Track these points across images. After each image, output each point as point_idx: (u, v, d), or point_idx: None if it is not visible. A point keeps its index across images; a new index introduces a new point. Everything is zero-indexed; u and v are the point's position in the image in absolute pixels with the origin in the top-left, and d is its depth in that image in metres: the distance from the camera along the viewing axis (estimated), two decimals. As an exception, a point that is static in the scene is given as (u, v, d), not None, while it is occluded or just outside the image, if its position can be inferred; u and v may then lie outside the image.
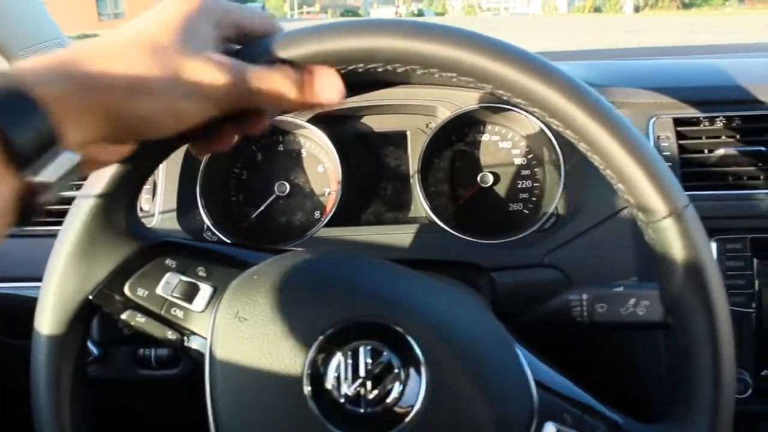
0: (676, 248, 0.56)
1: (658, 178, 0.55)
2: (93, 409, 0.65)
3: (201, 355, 0.60)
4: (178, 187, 0.94)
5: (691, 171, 0.88)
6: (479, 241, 0.89)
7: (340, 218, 0.95)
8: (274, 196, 1.01)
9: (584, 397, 0.60)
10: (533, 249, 0.87)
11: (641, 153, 0.55)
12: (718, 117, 0.90)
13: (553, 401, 0.58)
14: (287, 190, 1.01)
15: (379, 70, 0.56)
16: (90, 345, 0.90)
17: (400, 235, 0.92)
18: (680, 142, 0.89)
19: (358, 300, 0.56)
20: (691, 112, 0.90)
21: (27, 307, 0.91)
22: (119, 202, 0.61)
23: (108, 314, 0.73)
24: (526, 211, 0.99)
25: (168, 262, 0.62)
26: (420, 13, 55.34)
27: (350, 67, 0.56)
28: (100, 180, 0.59)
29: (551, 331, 0.74)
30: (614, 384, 0.67)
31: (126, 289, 0.61)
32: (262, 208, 1.01)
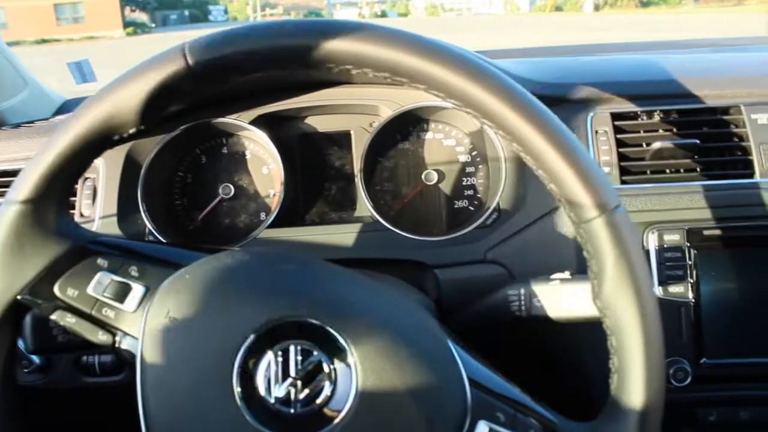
0: (606, 249, 0.56)
1: (589, 178, 0.56)
2: (21, 416, 0.64)
3: (133, 356, 0.59)
4: (119, 192, 0.93)
5: (629, 165, 0.89)
6: (422, 238, 0.89)
7: (285, 219, 0.95)
8: (218, 199, 1.01)
9: (519, 396, 0.60)
10: (476, 245, 0.88)
11: (572, 154, 0.56)
12: (655, 111, 0.91)
13: (486, 400, 0.58)
14: (231, 192, 1.00)
15: (313, 70, 0.57)
16: (32, 355, 0.89)
17: (344, 235, 0.92)
18: (618, 136, 0.90)
19: (288, 299, 0.56)
20: (628, 107, 0.92)
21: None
22: (49, 203, 0.60)
23: (41, 321, 0.71)
24: (471, 208, 1.00)
25: (99, 261, 0.61)
26: (383, 14, 55.40)
27: (284, 70, 0.57)
28: (27, 184, 0.58)
29: (492, 327, 0.74)
30: (552, 380, 0.67)
31: (56, 289, 0.60)
32: (206, 210, 1.01)
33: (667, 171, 0.90)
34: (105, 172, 0.94)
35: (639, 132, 0.91)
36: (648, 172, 0.90)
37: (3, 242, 0.59)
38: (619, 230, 0.56)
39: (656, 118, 0.91)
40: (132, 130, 0.58)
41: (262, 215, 1.01)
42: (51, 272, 0.60)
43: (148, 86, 0.56)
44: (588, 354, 0.84)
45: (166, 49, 0.57)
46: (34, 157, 0.59)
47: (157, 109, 0.57)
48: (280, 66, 0.56)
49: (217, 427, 0.54)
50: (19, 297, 0.60)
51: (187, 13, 51.76)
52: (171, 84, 0.56)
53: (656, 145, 0.89)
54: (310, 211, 1.02)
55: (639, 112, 0.91)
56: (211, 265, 0.59)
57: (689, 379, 0.86)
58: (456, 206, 1.00)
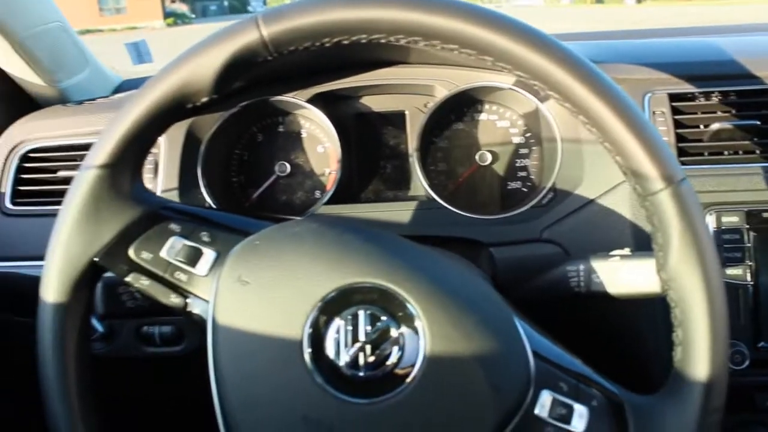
0: (672, 221, 0.57)
1: (656, 151, 0.56)
2: (97, 380, 0.67)
3: (202, 319, 0.61)
4: (180, 166, 0.95)
5: (686, 146, 0.89)
6: (478, 217, 0.90)
7: (340, 196, 0.96)
8: (274, 176, 1.02)
9: (581, 368, 0.61)
10: (531, 224, 0.88)
11: (639, 127, 0.56)
12: (713, 92, 0.90)
13: (549, 370, 0.59)
14: (288, 170, 1.02)
15: (382, 41, 0.58)
16: (94, 322, 0.92)
17: (400, 212, 0.93)
18: (675, 117, 0.89)
19: (357, 266, 0.57)
20: (686, 88, 0.91)
21: (30, 285, 0.93)
22: (125, 169, 0.62)
23: (111, 288, 0.74)
24: (525, 189, 1.00)
25: (172, 226, 0.63)
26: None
27: (353, 38, 0.58)
28: (104, 150, 0.61)
29: (549, 303, 0.75)
30: (611, 355, 0.67)
31: (131, 252, 0.62)
32: (263, 188, 1.02)
33: (726, 153, 0.89)
34: (166, 147, 0.96)
35: (697, 113, 0.90)
36: (706, 153, 0.89)
37: (81, 206, 0.61)
38: (685, 202, 0.56)
39: (714, 99, 0.90)
40: (204, 99, 0.60)
41: (317, 193, 1.03)
42: (126, 236, 0.62)
43: (222, 56, 0.57)
44: (646, 330, 0.84)
45: (238, 20, 0.59)
46: (111, 125, 0.61)
47: (230, 79, 0.59)
48: (350, 34, 0.57)
49: (287, 388, 0.55)
50: (96, 259, 0.62)
51: (226, 3, 52.22)
52: (244, 54, 0.57)
53: (714, 126, 0.88)
54: (365, 189, 1.03)
55: (697, 93, 0.91)
56: (282, 232, 0.61)
57: (747, 363, 0.86)
58: (509, 187, 1.01)
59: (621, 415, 0.58)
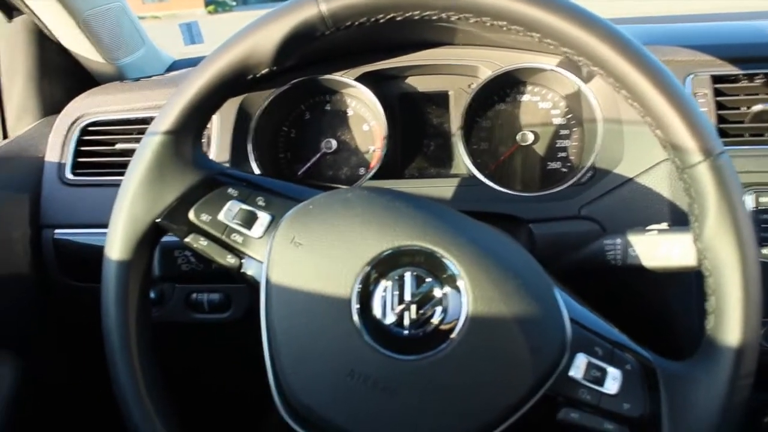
0: (709, 192, 0.58)
1: (696, 123, 0.58)
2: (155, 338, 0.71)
3: (256, 281, 0.65)
4: (231, 141, 0.99)
5: (727, 127, 0.90)
6: (518, 194, 0.92)
7: (385, 173, 0.99)
8: (321, 153, 1.06)
9: (615, 334, 0.63)
10: (570, 202, 0.90)
11: (680, 100, 0.58)
12: (757, 74, 0.91)
13: (584, 335, 0.62)
14: (333, 147, 1.05)
15: (434, 18, 0.60)
16: (158, 281, 0.96)
17: (442, 188, 0.96)
18: (717, 98, 0.90)
19: (406, 229, 0.60)
20: (729, 69, 0.92)
21: (88, 251, 0.98)
22: (187, 136, 0.66)
23: (168, 251, 0.78)
24: (564, 170, 1.02)
25: (230, 191, 0.67)
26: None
27: (407, 15, 0.61)
28: (169, 117, 0.65)
29: (586, 275, 0.77)
30: (643, 326, 0.69)
31: (191, 214, 0.66)
32: (309, 163, 1.06)
33: (766, 134, 0.90)
34: (219, 122, 1.00)
35: (739, 95, 0.91)
36: (746, 135, 0.90)
37: (146, 169, 0.65)
38: (723, 174, 0.58)
39: (758, 81, 0.91)
40: (264, 71, 0.64)
41: (362, 170, 1.06)
42: (187, 199, 0.66)
43: (283, 29, 0.61)
44: (678, 302, 0.85)
45: None
46: (175, 94, 0.65)
47: (289, 52, 0.63)
48: (403, 11, 0.60)
49: (336, 344, 0.59)
50: (158, 220, 0.66)
51: (267, -9, 52.31)
52: (304, 28, 0.61)
53: (756, 107, 0.89)
54: (409, 166, 1.06)
55: (740, 76, 0.92)
56: (334, 197, 0.64)
57: (779, 340, 0.87)
58: (549, 167, 1.03)
59: (653, 380, 0.61)
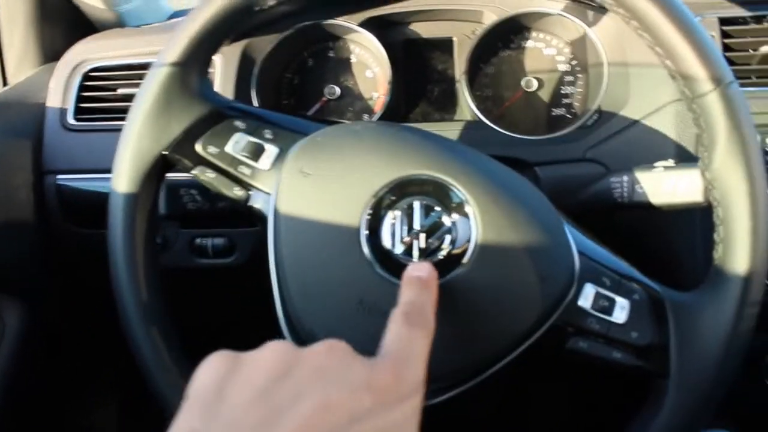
0: (718, 121, 0.58)
1: (706, 53, 0.58)
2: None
3: (263, 215, 0.65)
4: (235, 85, 0.98)
5: (735, 69, 0.89)
6: (523, 137, 0.92)
7: (389, 118, 0.99)
8: (324, 99, 1.05)
9: (623, 266, 0.64)
10: (575, 144, 0.90)
11: (690, 30, 0.58)
12: (764, 16, 0.90)
13: (593, 266, 0.62)
14: (336, 93, 1.05)
15: None
16: (164, 219, 0.96)
17: (447, 132, 0.95)
18: (725, 41, 0.90)
19: (414, 159, 0.60)
20: (737, 12, 0.91)
21: (91, 197, 0.97)
22: (193, 68, 0.65)
23: (174, 189, 0.78)
24: (569, 116, 1.01)
25: (237, 123, 0.67)
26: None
27: None
28: (176, 48, 0.64)
29: (592, 214, 0.77)
30: (650, 263, 0.70)
31: (198, 147, 0.66)
32: (313, 110, 1.05)
33: None
34: (222, 67, 0.99)
35: (746, 37, 0.91)
36: (754, 77, 0.90)
37: (153, 100, 0.65)
38: (733, 103, 0.58)
39: (765, 23, 0.90)
40: (271, 2, 0.63)
41: (365, 116, 1.05)
42: (194, 131, 0.66)
43: None
44: (685, 237, 0.86)
45: None
46: (182, 25, 0.64)
47: None
48: None
49: (345, 274, 0.59)
50: (165, 153, 0.66)
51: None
52: None
53: (764, 49, 0.89)
54: (413, 111, 1.05)
55: (748, 18, 0.91)
56: (343, 129, 0.64)
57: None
58: (554, 113, 1.02)
59: (661, 310, 0.61)
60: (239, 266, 0.98)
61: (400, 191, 0.60)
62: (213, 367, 0.43)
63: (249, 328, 1.10)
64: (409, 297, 0.52)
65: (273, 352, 0.44)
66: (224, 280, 1.03)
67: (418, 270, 0.54)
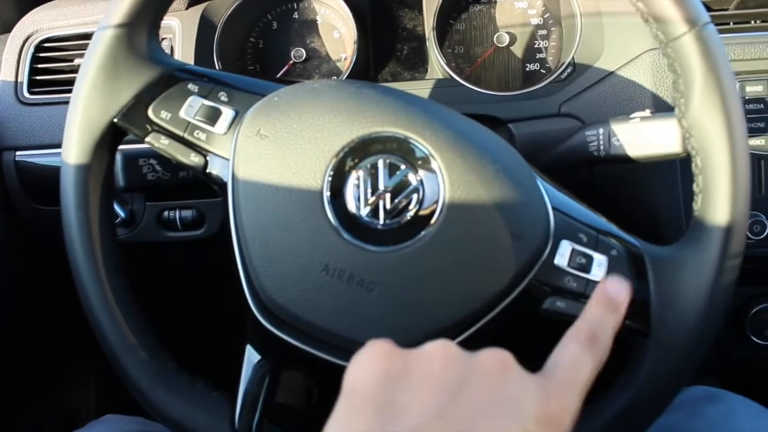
0: (695, 64, 0.56)
1: None
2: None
3: (222, 181, 0.62)
4: (195, 52, 0.94)
5: (712, 15, 0.86)
6: (496, 93, 0.89)
7: (357, 78, 0.95)
8: (291, 62, 1.01)
9: (600, 222, 0.61)
10: (550, 99, 0.87)
11: None
12: None
13: (568, 222, 0.59)
14: (303, 56, 1.01)
15: None
16: (116, 208, 0.93)
17: (418, 92, 0.92)
18: None
19: (377, 116, 0.57)
20: None
21: (48, 173, 0.94)
22: (141, 29, 0.62)
23: (131, 160, 0.75)
24: (543, 71, 0.99)
25: (190, 86, 0.63)
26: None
27: None
28: (120, 9, 0.60)
29: (568, 169, 0.75)
30: (629, 218, 0.68)
31: (150, 112, 0.63)
32: (280, 74, 1.02)
33: (753, 22, 0.87)
34: (181, 32, 0.95)
35: None
36: (731, 23, 0.87)
37: (99, 65, 0.61)
38: (709, 45, 0.55)
39: None
40: None
41: (334, 78, 1.02)
42: (144, 96, 0.63)
43: None
44: (663, 190, 0.84)
45: None
46: None
47: None
48: None
49: (308, 239, 0.56)
50: (115, 120, 0.62)
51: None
52: None
53: None
54: (382, 71, 1.02)
55: None
56: (301, 88, 0.61)
57: (766, 233, 0.85)
58: (528, 69, 0.99)
59: (640, 265, 0.59)
60: (209, 238, 0.95)
61: (362, 150, 0.57)
62: (380, 365, 0.43)
63: (221, 301, 1.07)
64: (597, 317, 0.51)
65: (444, 356, 0.44)
66: (195, 252, 1.00)
67: (614, 289, 0.54)
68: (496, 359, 0.44)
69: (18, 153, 0.96)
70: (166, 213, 0.95)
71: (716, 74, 0.55)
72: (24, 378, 1.15)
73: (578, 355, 0.47)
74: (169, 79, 0.63)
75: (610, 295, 0.53)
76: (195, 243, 0.96)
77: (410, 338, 0.56)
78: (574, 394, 0.44)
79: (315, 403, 1.20)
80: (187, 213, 0.94)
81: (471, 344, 0.58)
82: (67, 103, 0.92)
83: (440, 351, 0.44)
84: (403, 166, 0.56)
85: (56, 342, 1.23)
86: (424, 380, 0.42)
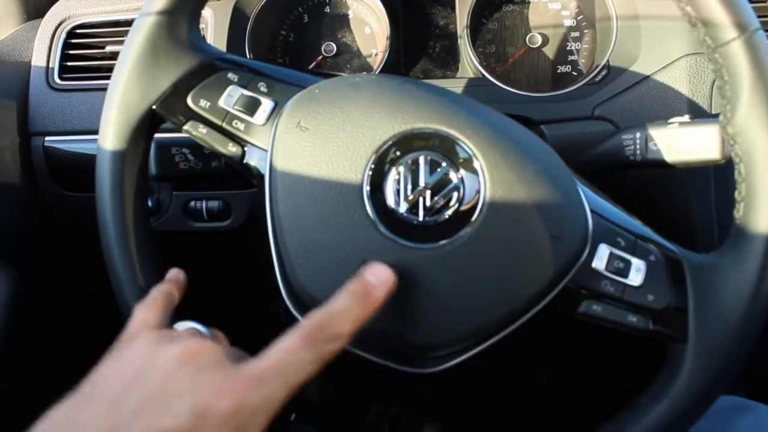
0: (743, 71, 0.55)
1: None
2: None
3: (260, 172, 0.62)
4: (227, 43, 0.94)
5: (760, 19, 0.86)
6: (529, 94, 0.88)
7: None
8: (321, 56, 1.01)
9: (638, 227, 0.60)
10: (583, 101, 0.86)
11: None
12: None
13: (607, 226, 0.59)
14: (334, 50, 1.01)
15: None
16: (156, 181, 0.92)
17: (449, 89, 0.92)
18: None
19: (419, 112, 0.57)
20: None
21: (85, 159, 0.94)
22: (182, 17, 0.61)
23: (165, 149, 0.74)
24: (575, 73, 0.98)
25: (230, 76, 0.63)
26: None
27: None
28: None
29: (602, 173, 0.74)
30: (663, 223, 0.67)
31: (189, 100, 0.62)
32: (310, 67, 1.01)
33: None
34: (214, 23, 0.95)
35: None
36: None
37: (140, 52, 0.61)
38: (758, 52, 0.54)
39: None
40: None
41: (364, 74, 1.01)
42: (184, 84, 0.62)
43: None
44: (699, 196, 0.83)
45: None
46: None
47: None
48: None
49: (346, 233, 0.55)
50: (154, 107, 0.62)
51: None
52: None
53: None
54: (413, 68, 1.01)
55: None
56: (342, 81, 0.60)
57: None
58: (559, 71, 0.99)
59: (678, 272, 0.58)
60: (235, 230, 0.95)
61: (404, 146, 0.56)
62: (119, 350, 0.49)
63: (245, 294, 1.07)
64: (338, 309, 0.49)
65: (144, 345, 0.48)
66: (220, 244, 1.00)
67: (373, 278, 0.52)
68: (181, 352, 0.45)
69: (47, 138, 0.96)
70: (192, 203, 0.94)
71: (765, 82, 0.54)
72: (46, 369, 1.15)
73: (294, 349, 0.45)
74: (209, 68, 0.63)
75: (365, 285, 0.51)
76: (220, 234, 0.96)
77: (444, 337, 0.56)
78: (270, 389, 0.43)
79: (331, 398, 1.20)
80: (214, 203, 0.94)
81: (505, 346, 0.58)
82: (98, 89, 0.94)
83: (143, 338, 0.47)
84: (444, 164, 0.56)
85: (77, 329, 1.23)
86: (121, 367, 0.45)
